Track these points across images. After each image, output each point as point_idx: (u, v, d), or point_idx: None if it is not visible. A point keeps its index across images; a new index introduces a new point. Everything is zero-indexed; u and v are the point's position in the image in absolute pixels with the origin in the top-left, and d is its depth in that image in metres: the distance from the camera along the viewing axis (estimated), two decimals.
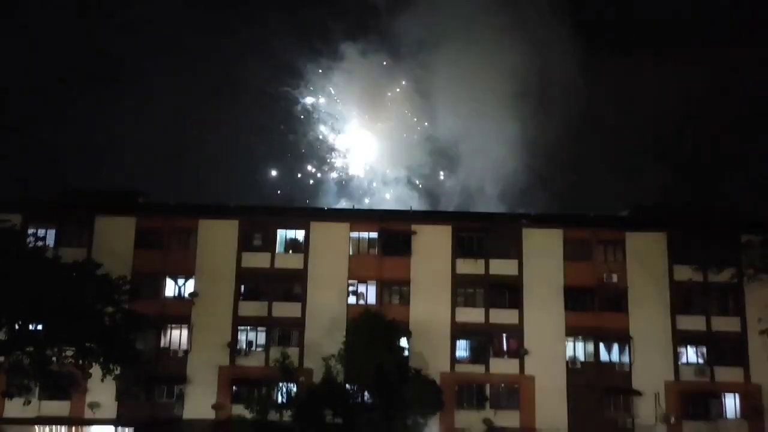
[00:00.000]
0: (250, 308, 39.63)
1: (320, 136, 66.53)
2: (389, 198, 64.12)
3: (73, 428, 37.91)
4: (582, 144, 63.94)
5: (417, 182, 65.28)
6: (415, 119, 66.65)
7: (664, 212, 42.45)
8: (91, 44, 71.23)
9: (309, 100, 66.64)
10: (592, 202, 62.33)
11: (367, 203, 63.00)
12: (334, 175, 65.97)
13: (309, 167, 65.66)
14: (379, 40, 65.86)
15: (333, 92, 66.91)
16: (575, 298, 39.80)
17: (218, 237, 40.42)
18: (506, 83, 62.93)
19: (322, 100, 66.96)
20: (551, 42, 63.34)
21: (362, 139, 66.86)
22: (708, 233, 39.97)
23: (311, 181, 65.47)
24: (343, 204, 59.58)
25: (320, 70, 66.29)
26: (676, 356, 39.10)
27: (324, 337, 37.82)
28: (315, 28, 67.81)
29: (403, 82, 66.94)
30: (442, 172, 65.71)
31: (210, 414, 37.86)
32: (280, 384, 36.49)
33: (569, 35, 63.67)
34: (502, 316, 39.56)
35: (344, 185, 65.46)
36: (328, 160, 66.35)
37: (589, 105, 62.45)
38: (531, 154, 62.67)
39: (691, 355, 39.43)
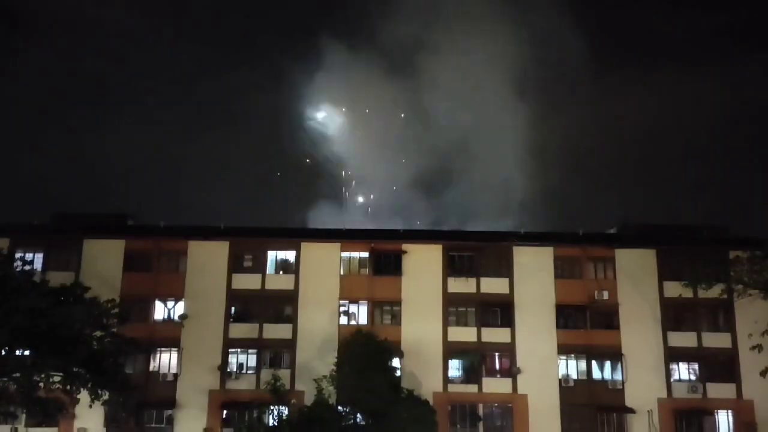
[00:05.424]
0: (241, 330, 39.33)
1: (309, 149, 65.91)
2: (383, 212, 62.80)
3: None
4: (575, 159, 64.32)
5: (412, 197, 64.37)
6: (410, 127, 65.63)
7: (652, 229, 42.69)
8: (81, 67, 71.47)
9: (298, 109, 66.03)
10: (582, 219, 62.56)
11: (359, 220, 62.15)
12: (325, 190, 65.27)
13: (298, 183, 65.31)
14: (371, 41, 65.68)
15: (322, 100, 66.13)
16: (567, 315, 39.89)
17: (208, 259, 40.20)
18: (507, 82, 62.61)
19: (310, 108, 66.33)
20: (553, 38, 63.07)
21: (356, 149, 65.65)
22: (696, 250, 40.25)
23: (302, 198, 64.95)
24: (335, 222, 59.08)
25: (307, 76, 65.67)
26: (669, 373, 39.17)
27: (315, 358, 37.62)
28: (305, 35, 66.66)
29: (397, 86, 65.73)
30: (436, 186, 65.15)
31: None
32: (272, 407, 35.96)
33: (572, 35, 63.62)
34: (494, 334, 39.52)
35: (335, 200, 64.72)
36: (318, 175, 65.79)
37: (588, 117, 62.72)
38: (526, 167, 62.78)
39: (683, 371, 39.52)
